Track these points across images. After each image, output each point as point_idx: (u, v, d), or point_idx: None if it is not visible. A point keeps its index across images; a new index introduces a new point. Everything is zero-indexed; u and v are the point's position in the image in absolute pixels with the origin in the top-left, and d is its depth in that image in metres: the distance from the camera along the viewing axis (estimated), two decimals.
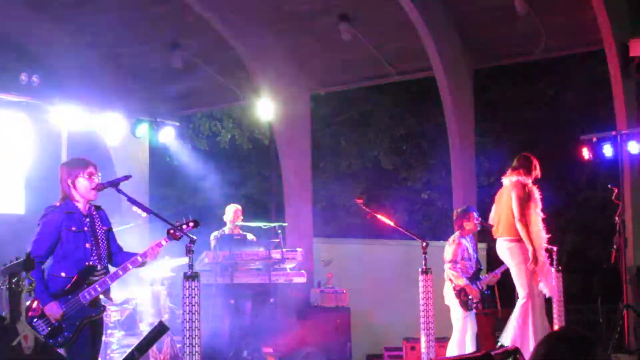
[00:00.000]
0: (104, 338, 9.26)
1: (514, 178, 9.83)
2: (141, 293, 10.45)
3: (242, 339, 11.51)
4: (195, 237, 7.02)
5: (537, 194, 9.82)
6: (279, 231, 11.86)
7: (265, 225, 12.53)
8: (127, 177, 7.37)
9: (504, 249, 9.90)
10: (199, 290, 6.94)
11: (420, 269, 8.95)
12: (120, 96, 13.88)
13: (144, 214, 7.31)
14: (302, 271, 12.11)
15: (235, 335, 11.48)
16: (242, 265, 11.59)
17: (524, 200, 9.69)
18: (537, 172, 9.92)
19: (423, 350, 8.83)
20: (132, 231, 11.15)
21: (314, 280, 14.20)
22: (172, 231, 7.14)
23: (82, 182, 7.02)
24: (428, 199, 21.78)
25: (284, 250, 11.67)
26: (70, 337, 6.75)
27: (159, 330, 6.49)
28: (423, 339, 8.85)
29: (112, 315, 9.96)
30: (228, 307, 11.53)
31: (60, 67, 13.68)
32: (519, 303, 9.75)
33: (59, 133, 13.14)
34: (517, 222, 9.62)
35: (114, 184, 7.19)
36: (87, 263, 6.89)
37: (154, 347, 9.61)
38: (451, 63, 13.42)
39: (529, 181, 9.81)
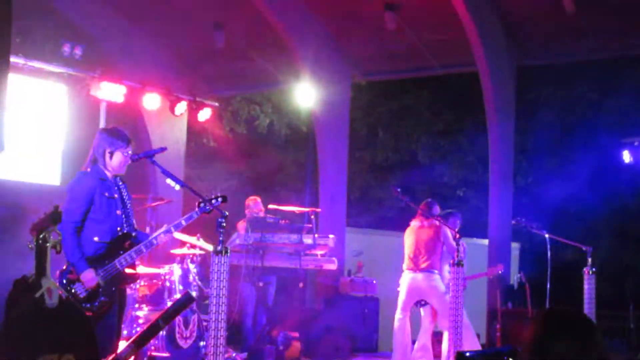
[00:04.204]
0: (132, 312, 9.32)
1: (434, 222, 10.55)
2: (170, 270, 10.40)
3: (268, 322, 11.48)
4: (226, 213, 6.98)
5: None
6: (312, 216, 11.80)
7: (298, 210, 12.45)
8: (162, 149, 7.39)
9: (431, 280, 10.61)
10: (227, 265, 6.90)
11: (450, 262, 8.96)
12: (161, 73, 13.88)
13: (177, 187, 7.29)
14: (333, 258, 12.06)
15: (260, 318, 11.46)
16: (273, 249, 11.52)
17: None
18: None
19: (445, 342, 8.77)
20: (164, 208, 11.17)
21: (344, 269, 14.15)
22: (202, 204, 7.14)
23: (119, 157, 7.04)
24: (463, 196, 21.62)
25: (316, 236, 11.61)
26: (106, 301, 6.78)
27: (185, 300, 6.45)
28: (450, 331, 8.79)
29: (140, 289, 9.96)
30: (256, 289, 11.49)
31: (103, 40, 13.68)
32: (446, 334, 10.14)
33: (98, 106, 13.18)
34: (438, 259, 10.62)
35: (149, 155, 7.22)
36: (118, 229, 6.91)
37: (181, 323, 9.61)
38: (495, 58, 13.30)
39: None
